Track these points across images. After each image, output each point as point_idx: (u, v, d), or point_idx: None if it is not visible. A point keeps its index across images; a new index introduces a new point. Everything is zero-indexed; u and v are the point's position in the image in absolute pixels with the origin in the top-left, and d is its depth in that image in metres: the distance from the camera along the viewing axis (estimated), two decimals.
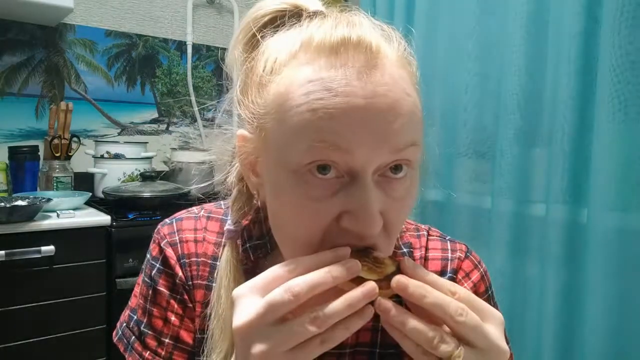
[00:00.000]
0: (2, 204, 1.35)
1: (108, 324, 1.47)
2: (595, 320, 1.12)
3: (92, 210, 1.60)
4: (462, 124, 1.51)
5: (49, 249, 1.34)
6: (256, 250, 0.55)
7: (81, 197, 1.61)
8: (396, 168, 0.43)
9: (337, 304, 0.37)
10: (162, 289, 0.57)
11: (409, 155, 0.42)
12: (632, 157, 1.09)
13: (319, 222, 0.42)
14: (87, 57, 2.01)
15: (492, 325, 0.40)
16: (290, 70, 0.43)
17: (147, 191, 1.66)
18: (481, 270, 0.59)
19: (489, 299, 0.59)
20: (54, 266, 1.37)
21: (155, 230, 0.60)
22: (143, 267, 0.60)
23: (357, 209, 0.40)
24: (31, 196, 1.50)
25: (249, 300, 0.38)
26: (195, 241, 0.58)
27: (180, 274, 0.57)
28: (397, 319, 0.38)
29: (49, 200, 1.45)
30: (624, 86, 1.09)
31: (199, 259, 0.57)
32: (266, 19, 0.48)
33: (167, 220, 0.61)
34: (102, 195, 1.74)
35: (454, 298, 0.39)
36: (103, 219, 1.47)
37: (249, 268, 0.55)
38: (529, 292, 1.33)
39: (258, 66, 0.46)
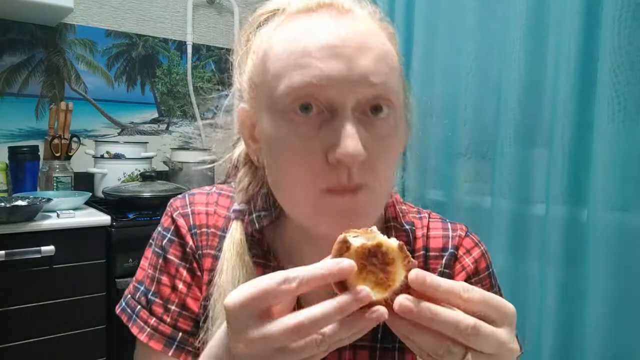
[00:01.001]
0: (2, 204, 1.35)
1: (108, 324, 1.47)
2: (595, 320, 1.12)
3: (92, 210, 1.60)
4: (462, 123, 1.51)
5: (49, 249, 1.35)
6: (261, 219, 0.57)
7: (81, 197, 1.61)
8: (377, 109, 0.46)
9: (342, 331, 0.35)
10: (172, 257, 0.59)
11: (386, 93, 0.45)
12: (632, 157, 1.09)
13: (309, 160, 0.45)
14: (87, 57, 2.01)
15: (505, 327, 0.38)
16: (272, 31, 0.50)
17: (147, 191, 1.66)
18: (482, 248, 0.61)
19: (490, 276, 0.60)
20: (54, 266, 1.37)
21: (168, 204, 0.63)
22: (151, 240, 0.62)
23: (338, 138, 0.43)
24: (31, 196, 1.50)
25: (243, 322, 0.36)
26: (207, 214, 0.61)
27: (191, 242, 0.59)
28: (402, 332, 0.37)
29: (49, 200, 1.45)
30: (624, 86, 1.09)
31: (210, 230, 0.59)
32: (262, 18, 0.54)
33: (179, 195, 0.63)
34: (102, 195, 1.74)
35: (467, 297, 0.37)
36: (103, 219, 1.47)
37: (255, 240, 0.57)
38: (529, 292, 1.33)
39: (252, 48, 0.52)
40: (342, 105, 0.44)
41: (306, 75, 0.44)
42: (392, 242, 0.38)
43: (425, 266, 0.59)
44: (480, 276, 0.59)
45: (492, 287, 0.60)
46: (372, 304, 0.36)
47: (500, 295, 0.61)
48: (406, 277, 0.37)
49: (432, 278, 0.37)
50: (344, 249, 0.38)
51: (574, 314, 1.20)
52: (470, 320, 0.36)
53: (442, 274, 0.58)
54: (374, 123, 0.46)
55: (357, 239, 0.38)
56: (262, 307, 0.36)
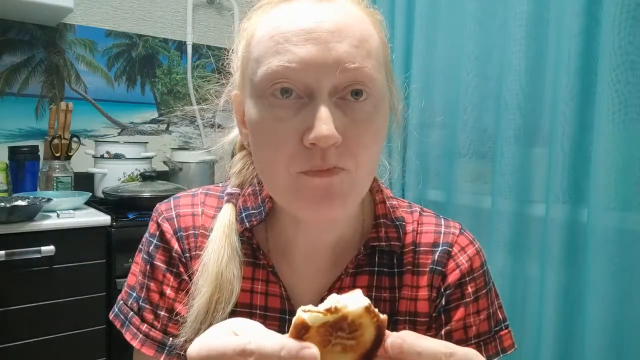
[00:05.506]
0: (2, 204, 1.35)
1: (108, 324, 1.46)
2: (595, 320, 1.12)
3: (92, 210, 1.60)
4: (463, 124, 1.51)
5: (49, 249, 1.34)
6: (250, 217, 0.58)
7: (81, 197, 1.61)
8: (357, 93, 0.46)
9: None
10: (158, 263, 0.59)
11: (363, 78, 0.46)
12: (632, 157, 1.09)
13: (285, 143, 0.46)
14: (87, 57, 2.01)
15: None
16: (258, 16, 0.51)
17: (147, 191, 1.66)
18: (476, 245, 0.60)
19: (484, 274, 0.60)
20: (54, 266, 1.37)
21: (154, 209, 0.62)
22: (141, 246, 0.62)
23: (313, 121, 0.44)
24: (31, 196, 1.50)
25: None
26: (193, 215, 0.60)
27: (177, 247, 0.59)
28: None
29: (49, 200, 1.45)
30: (624, 86, 1.09)
31: (197, 232, 0.59)
32: (256, 5, 0.55)
33: (165, 200, 0.63)
34: (102, 195, 1.74)
35: None
36: (103, 219, 1.47)
37: (245, 239, 0.57)
38: (529, 292, 1.33)
39: (242, 34, 0.53)
40: (318, 89, 0.45)
41: (282, 60, 0.45)
42: (359, 306, 0.34)
43: (414, 261, 0.59)
44: (474, 275, 0.58)
45: (485, 285, 0.59)
46: None
47: (495, 292, 0.61)
48: (377, 335, 0.35)
49: (409, 344, 0.34)
50: (302, 332, 0.33)
51: (573, 314, 1.20)
52: None
53: (433, 271, 0.58)
54: (353, 107, 0.46)
55: (317, 317, 0.34)
56: None
